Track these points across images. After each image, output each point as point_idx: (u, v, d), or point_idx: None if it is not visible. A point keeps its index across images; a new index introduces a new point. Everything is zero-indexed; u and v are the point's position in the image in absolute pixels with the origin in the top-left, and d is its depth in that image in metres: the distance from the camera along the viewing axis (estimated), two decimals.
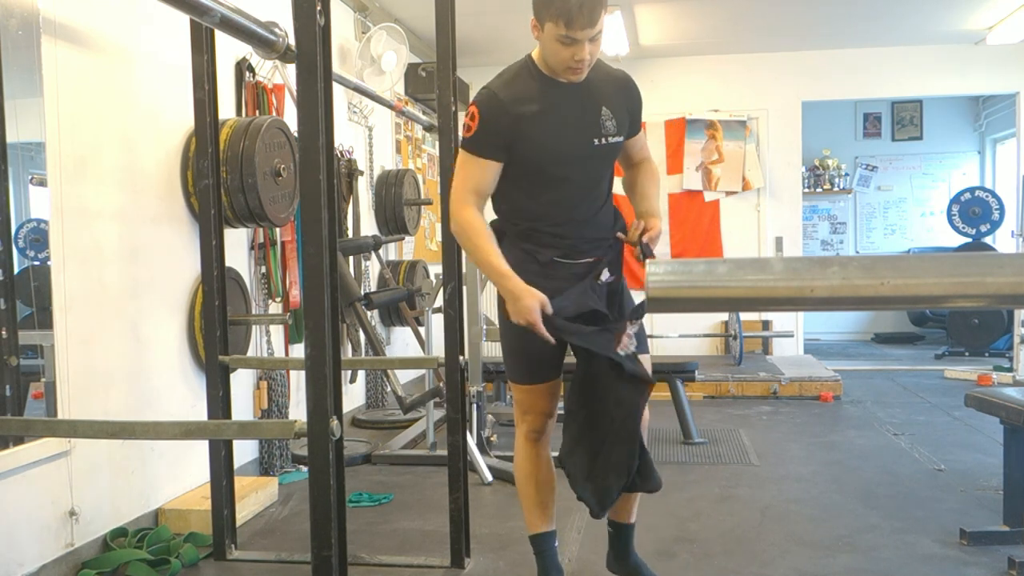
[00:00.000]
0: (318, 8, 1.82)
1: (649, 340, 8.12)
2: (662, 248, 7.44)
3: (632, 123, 2.39)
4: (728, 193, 7.40)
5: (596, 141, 2.29)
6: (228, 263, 3.22)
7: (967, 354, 7.64)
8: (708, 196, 7.43)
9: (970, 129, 9.22)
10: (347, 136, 5.18)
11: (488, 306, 5.98)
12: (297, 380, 4.30)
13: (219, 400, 2.90)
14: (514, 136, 2.24)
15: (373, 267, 5.44)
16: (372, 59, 5.27)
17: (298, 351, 4.33)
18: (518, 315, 2.22)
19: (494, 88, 2.27)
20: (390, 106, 4.77)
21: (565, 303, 2.28)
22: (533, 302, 2.19)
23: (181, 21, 2.81)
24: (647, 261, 0.91)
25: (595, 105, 2.30)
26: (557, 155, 2.27)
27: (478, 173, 2.25)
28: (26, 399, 2.70)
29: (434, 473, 3.94)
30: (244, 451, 3.89)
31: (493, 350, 6.61)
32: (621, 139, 2.33)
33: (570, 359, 2.44)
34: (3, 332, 2.57)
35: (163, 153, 3.33)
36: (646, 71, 7.18)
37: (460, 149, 2.31)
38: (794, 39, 7.03)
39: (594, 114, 2.29)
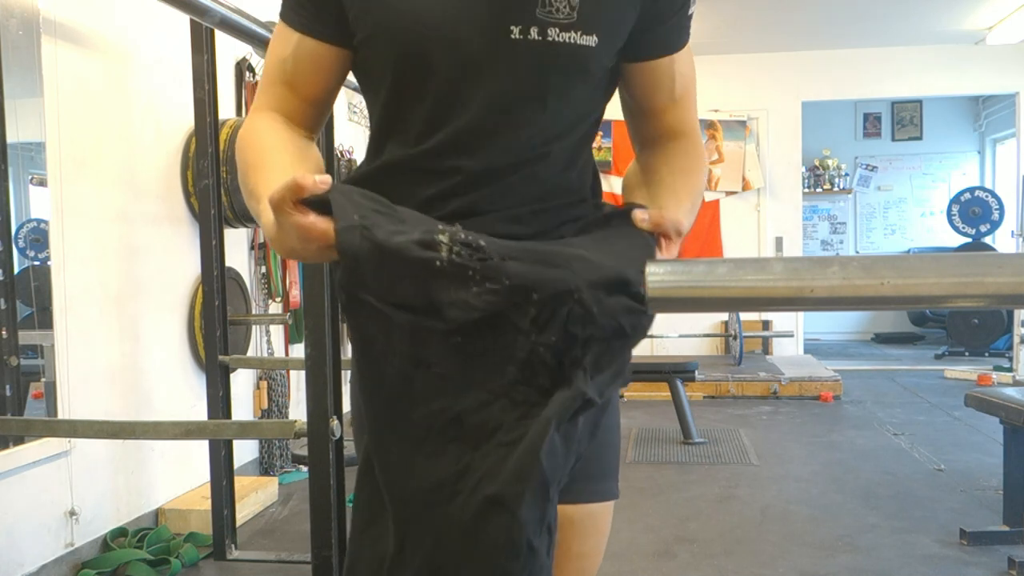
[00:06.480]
0: None
1: (649, 340, 8.05)
2: None
3: (647, 22, 1.17)
4: (728, 193, 7.40)
5: (515, 29, 1.04)
6: (228, 263, 3.22)
7: (967, 354, 7.64)
8: (708, 196, 7.42)
9: (970, 129, 9.22)
10: (347, 136, 5.17)
11: None
12: (297, 380, 4.30)
13: (219, 400, 2.90)
14: None
15: None
16: None
17: (298, 351, 4.33)
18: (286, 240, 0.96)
19: None
20: None
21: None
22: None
23: (181, 21, 2.81)
24: (647, 261, 0.89)
25: None
26: (441, 39, 1.06)
27: (287, 51, 1.13)
28: (26, 399, 2.70)
29: None
30: (244, 451, 3.89)
31: None
32: (591, 41, 1.07)
33: None
34: (3, 332, 2.57)
35: (163, 153, 3.32)
36: None
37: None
38: (794, 39, 7.02)
39: None
